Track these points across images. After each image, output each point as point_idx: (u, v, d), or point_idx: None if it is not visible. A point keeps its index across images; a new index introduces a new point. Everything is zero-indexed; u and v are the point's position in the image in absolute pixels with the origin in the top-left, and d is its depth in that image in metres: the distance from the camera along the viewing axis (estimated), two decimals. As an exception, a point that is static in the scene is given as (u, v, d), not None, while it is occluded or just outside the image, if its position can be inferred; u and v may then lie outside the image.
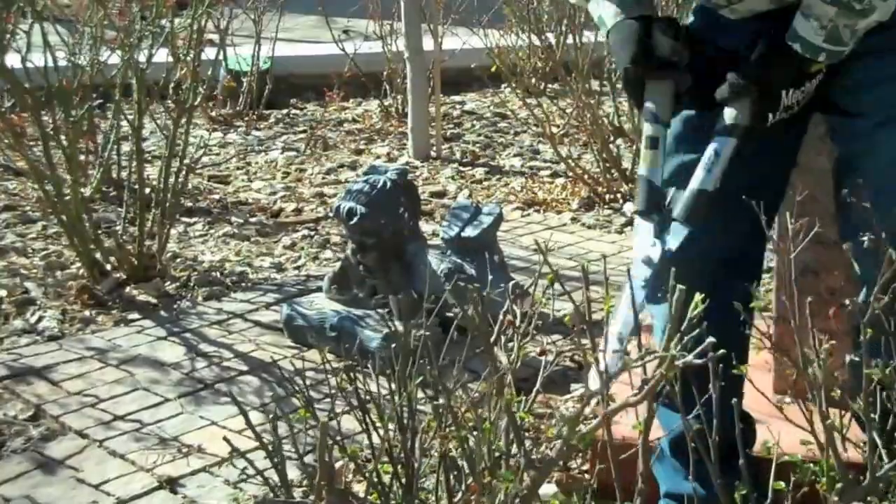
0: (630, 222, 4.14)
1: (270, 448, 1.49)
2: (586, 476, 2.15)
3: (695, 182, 1.62)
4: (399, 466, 1.47)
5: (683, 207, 1.62)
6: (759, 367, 1.59)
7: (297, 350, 2.92)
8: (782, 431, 1.42)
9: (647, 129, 1.69)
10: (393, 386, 1.51)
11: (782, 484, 1.31)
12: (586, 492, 1.41)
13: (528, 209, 4.41)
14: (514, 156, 5.22)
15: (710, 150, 1.63)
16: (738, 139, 1.63)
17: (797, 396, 1.74)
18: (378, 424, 1.52)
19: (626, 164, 4.52)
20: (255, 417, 2.37)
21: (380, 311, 2.95)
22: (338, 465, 1.60)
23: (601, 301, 1.35)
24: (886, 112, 1.65)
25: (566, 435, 1.22)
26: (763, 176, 1.76)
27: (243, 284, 3.50)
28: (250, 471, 2.02)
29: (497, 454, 1.35)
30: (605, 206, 4.35)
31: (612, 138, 4.63)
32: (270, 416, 1.49)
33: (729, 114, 1.63)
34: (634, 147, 4.51)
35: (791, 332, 1.33)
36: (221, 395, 2.63)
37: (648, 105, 1.69)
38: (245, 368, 2.82)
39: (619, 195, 4.41)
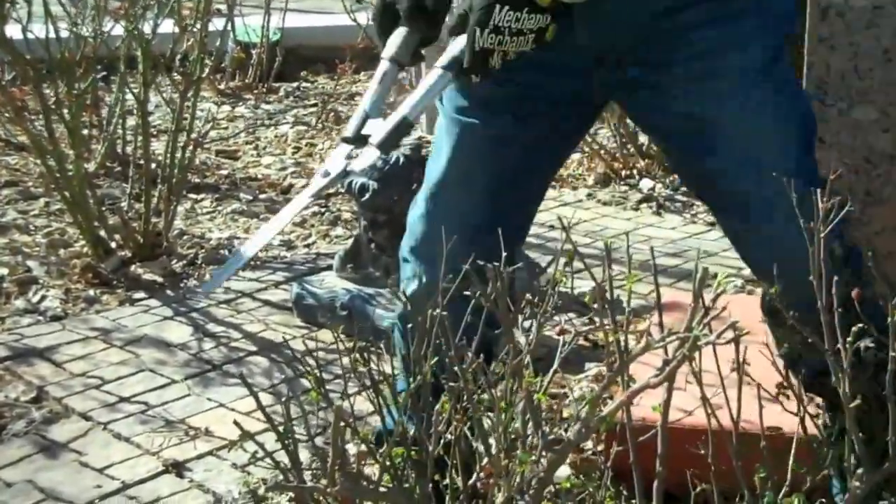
0: (647, 199, 4.13)
1: (281, 430, 1.49)
2: (601, 458, 2.15)
3: (401, 110, 1.63)
4: (412, 449, 1.46)
5: (382, 133, 1.63)
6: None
7: (307, 330, 2.92)
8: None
9: (382, 64, 1.71)
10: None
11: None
12: (602, 474, 1.41)
13: (544, 185, 4.38)
14: (530, 131, 5.18)
15: (427, 80, 1.65)
16: (455, 75, 1.63)
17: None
18: (391, 406, 1.52)
19: (644, 139, 4.49)
20: (265, 399, 2.37)
21: (392, 289, 2.95)
22: (349, 448, 1.60)
23: (620, 278, 1.34)
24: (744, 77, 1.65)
25: (585, 417, 1.21)
26: (536, 152, 1.79)
27: (252, 263, 3.49)
28: (260, 454, 2.02)
29: (513, 436, 1.35)
30: (622, 183, 4.34)
31: (629, 112, 4.60)
32: (281, 397, 1.49)
33: (450, 49, 1.63)
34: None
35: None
36: (229, 377, 2.64)
37: (391, 43, 1.70)
38: (254, 349, 2.82)
39: (635, 171, 4.39)
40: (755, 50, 1.66)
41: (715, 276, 1.20)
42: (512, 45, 1.55)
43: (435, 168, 1.84)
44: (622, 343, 1.27)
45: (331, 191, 4.25)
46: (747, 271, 3.15)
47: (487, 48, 1.54)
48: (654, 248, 1.37)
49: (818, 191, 1.40)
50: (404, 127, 1.63)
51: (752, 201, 1.67)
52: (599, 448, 2.20)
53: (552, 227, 3.80)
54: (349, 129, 1.67)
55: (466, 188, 1.81)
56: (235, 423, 1.48)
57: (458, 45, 1.62)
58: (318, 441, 1.55)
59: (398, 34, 1.70)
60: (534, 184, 1.86)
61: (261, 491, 1.96)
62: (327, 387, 1.58)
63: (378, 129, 1.64)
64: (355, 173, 1.67)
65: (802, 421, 1.39)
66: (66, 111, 3.38)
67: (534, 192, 1.88)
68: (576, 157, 4.67)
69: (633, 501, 1.36)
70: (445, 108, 1.82)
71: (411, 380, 1.56)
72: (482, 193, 1.80)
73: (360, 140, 1.65)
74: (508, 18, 1.53)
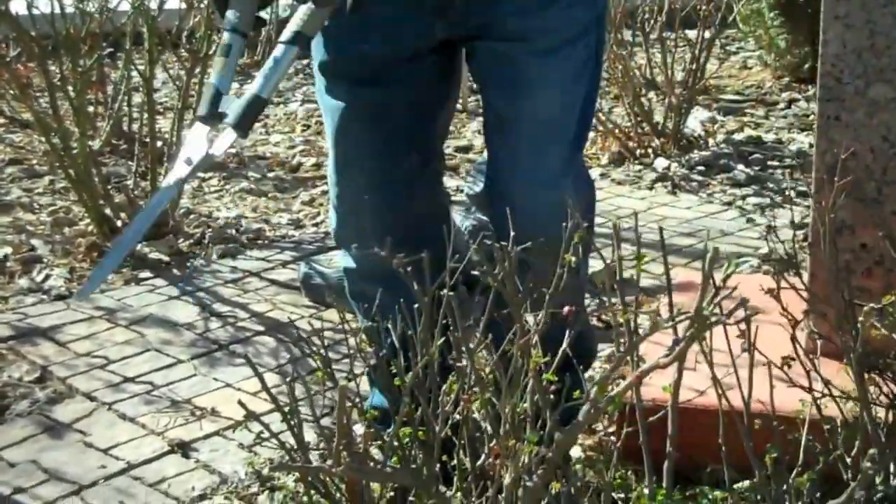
0: (661, 178, 4.12)
1: (287, 410, 1.49)
2: (612, 439, 2.15)
3: (253, 88, 1.63)
4: (419, 430, 1.47)
5: (237, 113, 1.62)
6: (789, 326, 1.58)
7: (314, 310, 2.92)
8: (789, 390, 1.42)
9: (225, 37, 1.70)
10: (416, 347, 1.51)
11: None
12: (612, 455, 1.41)
13: (556, 165, 4.38)
14: (543, 109, 5.17)
15: (272, 58, 1.65)
16: (299, 48, 1.65)
17: (826, 356, 1.75)
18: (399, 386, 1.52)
19: (658, 117, 4.48)
20: (271, 379, 2.38)
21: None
22: (356, 427, 1.60)
23: (632, 258, 1.34)
24: (557, 38, 1.82)
25: (595, 397, 1.21)
26: (407, 101, 1.88)
27: (259, 242, 3.50)
28: (266, 434, 2.03)
29: (521, 417, 1.35)
30: (636, 162, 4.33)
31: (643, 91, 4.59)
32: (287, 377, 1.49)
33: (292, 22, 1.65)
34: (667, 100, 4.47)
35: (825, 289, 1.32)
36: (236, 357, 2.64)
37: (230, 13, 1.70)
38: (261, 329, 2.83)
39: (650, 150, 4.38)
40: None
41: (736, 256, 1.20)
42: None
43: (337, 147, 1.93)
44: (632, 323, 1.27)
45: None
46: (763, 251, 3.15)
47: None
48: (668, 228, 1.37)
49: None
50: (259, 105, 1.62)
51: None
52: (612, 430, 2.20)
53: (564, 207, 3.80)
54: (202, 107, 1.65)
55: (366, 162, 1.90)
56: (240, 403, 1.49)
57: (299, 17, 1.64)
58: (325, 422, 1.55)
59: (240, 1, 1.70)
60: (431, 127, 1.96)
61: (266, 471, 1.97)
62: (334, 367, 1.59)
63: (233, 109, 1.62)
64: (217, 157, 1.64)
65: (815, 401, 1.38)
66: (70, 88, 3.39)
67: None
68: (589, 135, 4.66)
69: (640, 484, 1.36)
70: (319, 90, 1.91)
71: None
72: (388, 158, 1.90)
73: (215, 118, 1.64)
74: None
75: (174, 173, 1.64)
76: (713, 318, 1.14)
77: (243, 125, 1.62)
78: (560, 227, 1.36)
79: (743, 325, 1.26)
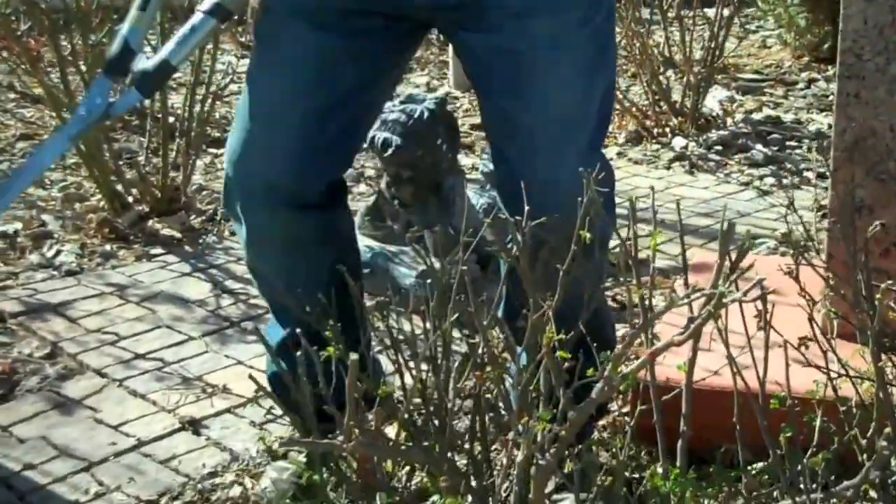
0: (679, 157, 4.11)
1: (297, 387, 1.50)
2: (626, 419, 2.16)
3: (163, 52, 1.60)
4: (431, 407, 1.47)
5: (143, 75, 1.60)
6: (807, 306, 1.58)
7: (326, 288, 2.93)
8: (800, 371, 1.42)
9: None
10: (427, 325, 1.51)
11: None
12: (625, 434, 1.41)
13: (572, 143, 4.37)
14: (560, 87, 5.16)
15: (189, 24, 1.61)
16: (218, 20, 1.62)
17: (842, 337, 1.75)
18: (411, 364, 1.53)
19: (676, 96, 4.47)
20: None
21: (415, 247, 2.95)
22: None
23: (647, 237, 1.34)
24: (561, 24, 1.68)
25: (608, 374, 1.21)
26: (368, 71, 1.77)
27: (271, 219, 3.50)
28: (276, 411, 2.04)
29: (534, 394, 1.35)
30: (654, 141, 4.32)
31: (661, 69, 4.57)
32: (298, 353, 1.50)
33: None
34: (685, 79, 4.46)
35: (843, 269, 1.32)
36: (247, 334, 2.65)
37: None
38: (272, 306, 2.83)
39: (667, 129, 4.37)
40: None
41: (752, 237, 1.20)
42: None
43: (260, 90, 1.80)
44: (646, 301, 1.27)
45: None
46: (780, 232, 3.14)
47: None
48: (685, 209, 1.36)
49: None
50: (167, 70, 1.60)
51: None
52: (626, 409, 2.20)
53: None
54: (110, 58, 1.63)
55: (295, 110, 1.77)
56: (252, 378, 1.49)
57: None
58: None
59: None
60: (364, 104, 1.84)
61: (276, 446, 1.97)
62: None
63: (140, 70, 1.59)
64: (115, 116, 1.63)
65: (831, 381, 1.38)
66: (81, 63, 3.39)
67: (363, 113, 1.87)
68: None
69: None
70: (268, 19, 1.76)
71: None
72: (314, 114, 1.77)
73: (120, 72, 1.61)
74: None
75: (69, 126, 1.64)
76: (729, 297, 1.14)
77: (147, 88, 1.61)
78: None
79: (759, 305, 1.26)
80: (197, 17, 1.61)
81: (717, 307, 1.15)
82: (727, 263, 1.19)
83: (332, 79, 1.76)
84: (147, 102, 4.19)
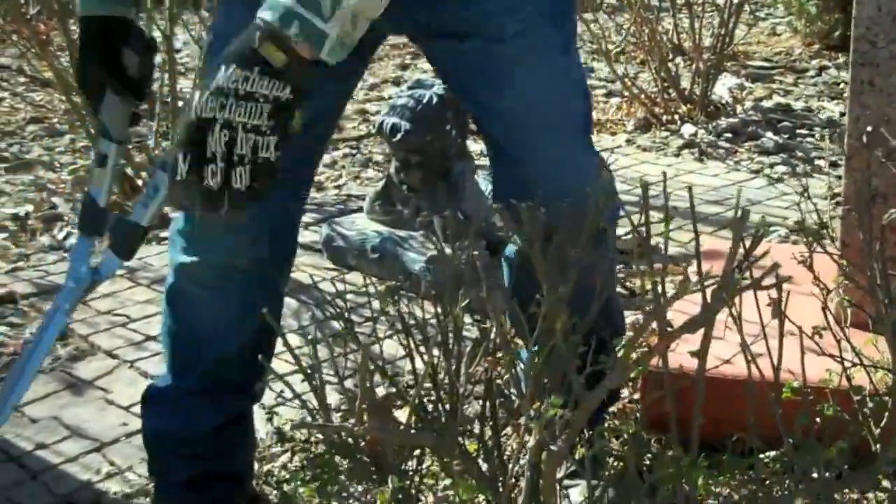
0: (688, 144, 4.10)
1: (309, 371, 1.50)
2: (635, 406, 2.16)
3: (133, 216, 1.57)
4: (442, 392, 1.47)
5: (118, 240, 1.59)
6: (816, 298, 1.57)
7: (336, 272, 2.93)
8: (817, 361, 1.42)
9: (101, 144, 1.64)
10: (438, 309, 1.51)
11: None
12: (636, 420, 1.41)
13: (581, 130, 4.37)
14: (568, 73, 5.16)
15: (151, 184, 1.56)
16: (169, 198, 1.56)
17: (855, 326, 1.74)
18: (422, 349, 1.53)
19: (685, 83, 4.46)
20: (294, 340, 2.38)
21: (424, 232, 2.95)
22: (379, 391, 1.61)
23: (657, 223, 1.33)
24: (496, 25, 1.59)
25: (621, 359, 1.21)
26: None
27: (281, 203, 3.50)
28: (287, 395, 2.04)
29: (545, 380, 1.35)
30: (662, 128, 4.31)
31: (671, 56, 4.56)
32: (309, 337, 1.50)
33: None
34: (694, 66, 4.44)
35: (857, 257, 1.31)
36: (257, 318, 2.65)
37: (106, 119, 1.63)
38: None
39: (677, 116, 4.36)
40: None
41: (766, 224, 1.19)
42: (239, 111, 1.22)
43: None
44: (659, 286, 1.26)
45: (361, 133, 4.26)
46: (791, 220, 3.14)
47: (206, 117, 1.23)
48: (695, 196, 1.35)
49: None
50: (140, 232, 1.58)
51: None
52: (636, 396, 2.20)
53: (588, 173, 3.79)
54: (83, 221, 1.64)
55: None
56: (261, 361, 1.49)
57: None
58: (348, 383, 1.56)
59: (110, 107, 1.62)
60: (321, 127, 1.70)
61: (286, 427, 1.97)
62: (357, 329, 1.59)
63: (114, 234, 1.59)
64: (103, 280, 1.66)
65: (845, 370, 1.38)
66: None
67: (320, 136, 1.73)
68: (614, 101, 4.65)
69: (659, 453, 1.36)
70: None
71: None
72: None
73: (97, 232, 1.62)
74: (234, 78, 1.23)
75: (62, 300, 1.64)
76: (744, 283, 1.13)
77: (125, 252, 1.59)
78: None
79: (773, 292, 1.25)
80: (159, 176, 1.54)
81: (731, 293, 1.14)
82: (741, 250, 1.18)
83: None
84: (155, 87, 4.19)
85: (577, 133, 1.74)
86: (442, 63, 1.71)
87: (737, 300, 1.23)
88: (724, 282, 1.15)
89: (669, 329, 1.22)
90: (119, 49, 1.61)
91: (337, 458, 1.57)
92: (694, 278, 1.22)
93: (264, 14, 1.24)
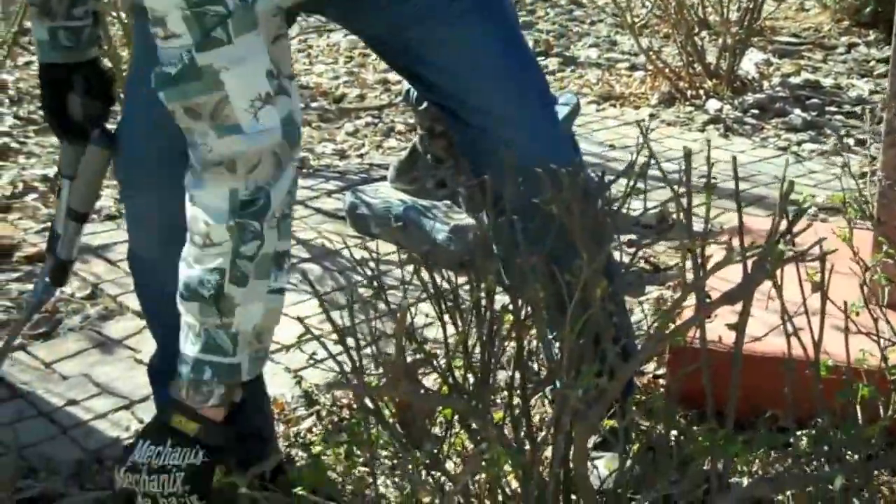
0: (713, 120, 4.07)
1: (343, 331, 1.50)
2: (662, 382, 2.16)
3: (62, 253, 1.71)
4: (472, 359, 1.47)
5: (50, 271, 1.73)
6: (851, 276, 1.55)
7: (359, 240, 2.92)
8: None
9: (64, 183, 1.71)
10: (461, 279, 1.50)
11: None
12: (668, 392, 1.41)
13: (604, 103, 4.35)
14: (591, 46, 5.13)
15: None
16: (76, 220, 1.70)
17: (891, 307, 1.73)
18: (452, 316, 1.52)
19: (711, 58, 4.42)
20: (316, 306, 2.39)
21: (447, 201, 2.94)
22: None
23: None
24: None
25: (658, 328, 1.20)
26: None
27: (304, 170, 3.50)
28: (320, 355, 2.03)
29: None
30: (687, 103, 4.28)
31: (696, 30, 4.52)
32: (338, 303, 1.49)
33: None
34: (721, 40, 4.41)
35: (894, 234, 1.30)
36: (282, 281, 2.65)
37: (62, 157, 1.71)
38: (306, 256, 2.84)
39: (702, 91, 4.32)
40: None
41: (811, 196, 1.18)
42: (152, 485, 1.37)
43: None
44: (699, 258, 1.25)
45: (383, 102, 4.25)
46: (820, 199, 3.12)
47: (127, 488, 1.39)
48: (720, 172, 1.35)
49: None
50: (66, 266, 1.72)
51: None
52: (660, 371, 2.20)
53: (612, 147, 3.77)
54: (48, 243, 1.74)
55: None
56: (300, 319, 1.49)
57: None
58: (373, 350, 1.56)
59: (63, 146, 1.71)
60: None
61: (320, 390, 1.98)
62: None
63: (48, 266, 1.73)
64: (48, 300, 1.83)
65: (883, 350, 1.36)
66: (122, 13, 3.38)
67: None
68: (638, 74, 4.62)
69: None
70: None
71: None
72: None
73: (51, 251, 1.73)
74: (148, 454, 1.38)
75: (27, 312, 1.84)
76: (788, 254, 1.13)
77: (58, 280, 1.74)
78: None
79: (809, 269, 1.25)
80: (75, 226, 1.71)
81: (774, 265, 1.13)
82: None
83: None
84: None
85: (530, 95, 1.70)
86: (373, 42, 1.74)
87: (776, 275, 1.22)
88: (766, 252, 1.14)
89: (708, 300, 1.21)
90: (64, 94, 1.68)
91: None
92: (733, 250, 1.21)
93: (179, 369, 1.39)
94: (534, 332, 1.47)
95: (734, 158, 1.25)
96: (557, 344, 1.38)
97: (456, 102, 1.67)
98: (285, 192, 1.39)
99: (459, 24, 1.63)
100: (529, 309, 1.41)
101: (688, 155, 1.27)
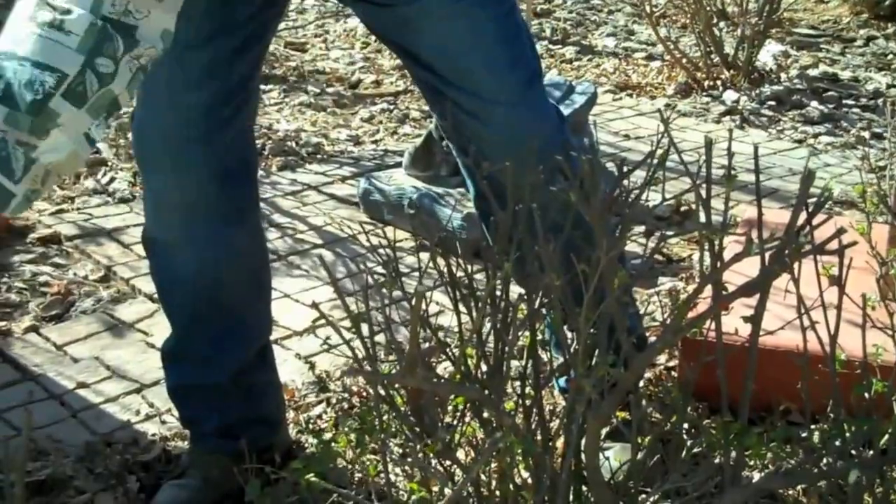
0: (730, 111, 4.05)
1: (358, 317, 1.49)
2: (673, 374, 2.15)
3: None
4: (486, 348, 1.46)
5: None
6: (866, 271, 1.54)
7: (372, 226, 2.92)
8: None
9: None
10: (475, 267, 1.50)
11: None
12: (680, 384, 1.40)
13: (620, 93, 4.33)
14: (608, 35, 5.11)
15: None
16: None
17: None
18: (466, 304, 1.51)
19: (728, 49, 4.40)
20: (327, 293, 2.39)
21: (461, 189, 2.93)
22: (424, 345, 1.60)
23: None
24: None
25: (675, 320, 1.19)
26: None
27: (318, 156, 3.50)
28: (334, 340, 2.03)
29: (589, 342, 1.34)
30: (704, 94, 4.26)
31: (715, 20, 4.50)
32: (360, 286, 1.49)
33: None
34: (739, 32, 4.38)
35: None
36: (294, 268, 2.65)
37: None
38: (319, 241, 2.83)
39: (719, 82, 4.30)
40: None
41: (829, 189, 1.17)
42: None
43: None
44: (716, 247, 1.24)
45: (398, 89, 4.24)
46: (835, 192, 3.09)
47: None
48: (735, 164, 1.33)
49: None
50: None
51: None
52: (671, 364, 2.19)
53: (626, 137, 3.76)
54: None
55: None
56: (315, 305, 1.48)
57: None
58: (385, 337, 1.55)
59: None
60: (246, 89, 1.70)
61: (326, 376, 1.97)
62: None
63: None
64: None
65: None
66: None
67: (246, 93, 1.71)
68: (655, 64, 4.60)
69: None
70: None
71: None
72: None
73: None
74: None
75: None
76: (807, 246, 1.11)
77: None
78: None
79: (825, 263, 1.23)
80: None
81: (792, 256, 1.12)
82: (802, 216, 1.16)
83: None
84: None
85: (522, 79, 1.70)
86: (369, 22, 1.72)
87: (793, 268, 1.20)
88: (784, 244, 1.13)
89: (725, 293, 1.20)
90: None
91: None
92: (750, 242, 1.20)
93: None
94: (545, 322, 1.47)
95: (755, 148, 1.23)
96: (570, 334, 1.37)
97: (445, 84, 1.66)
98: (157, 36, 1.25)
99: (459, 5, 1.62)
100: (543, 298, 1.40)
101: (709, 144, 1.25)
